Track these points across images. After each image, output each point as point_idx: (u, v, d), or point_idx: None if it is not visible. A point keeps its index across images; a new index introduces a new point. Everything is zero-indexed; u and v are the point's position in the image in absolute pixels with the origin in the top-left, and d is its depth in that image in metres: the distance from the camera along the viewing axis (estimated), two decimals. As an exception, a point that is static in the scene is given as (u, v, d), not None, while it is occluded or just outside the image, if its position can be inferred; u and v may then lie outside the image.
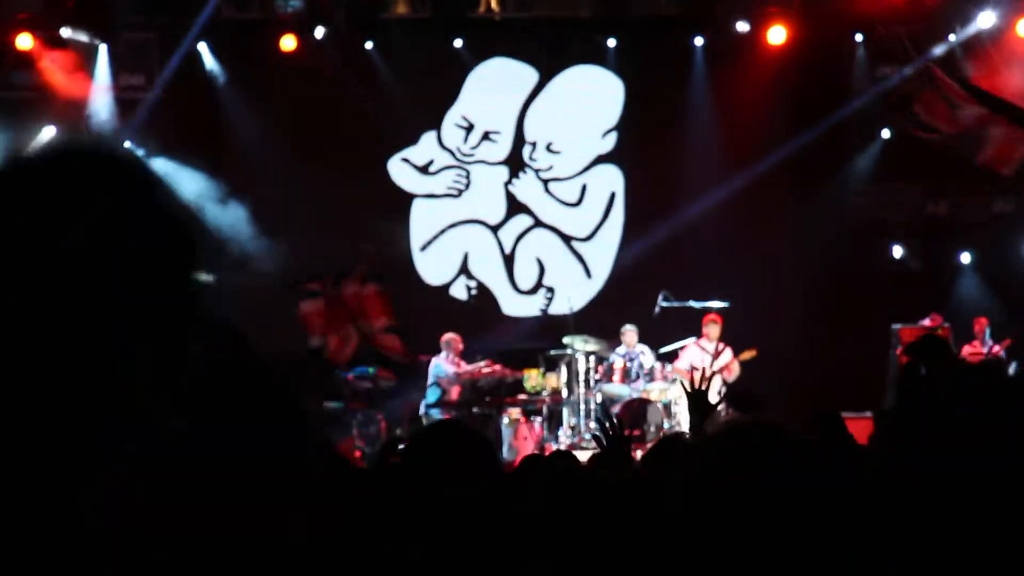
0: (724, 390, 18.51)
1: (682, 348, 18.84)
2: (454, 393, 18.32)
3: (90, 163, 1.68)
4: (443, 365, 18.39)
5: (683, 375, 18.45)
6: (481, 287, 21.46)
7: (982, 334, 18.70)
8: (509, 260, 21.48)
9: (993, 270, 20.21)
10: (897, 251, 20.78)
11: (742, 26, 20.33)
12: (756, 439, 2.90)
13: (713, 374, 18.18)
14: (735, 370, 18.44)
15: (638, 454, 16.50)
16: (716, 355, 18.54)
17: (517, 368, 18.73)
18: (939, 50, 19.74)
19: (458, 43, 21.13)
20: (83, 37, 19.84)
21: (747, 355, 18.40)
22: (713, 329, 18.63)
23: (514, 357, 19.12)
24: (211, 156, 20.31)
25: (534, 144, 21.50)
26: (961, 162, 19.66)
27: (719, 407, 17.86)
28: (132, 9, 20.16)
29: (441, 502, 4.02)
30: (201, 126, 20.43)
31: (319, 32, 20.34)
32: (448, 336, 18.80)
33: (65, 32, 19.50)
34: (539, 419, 18.39)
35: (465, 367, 18.51)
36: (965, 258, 20.78)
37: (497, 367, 18.58)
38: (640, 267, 20.88)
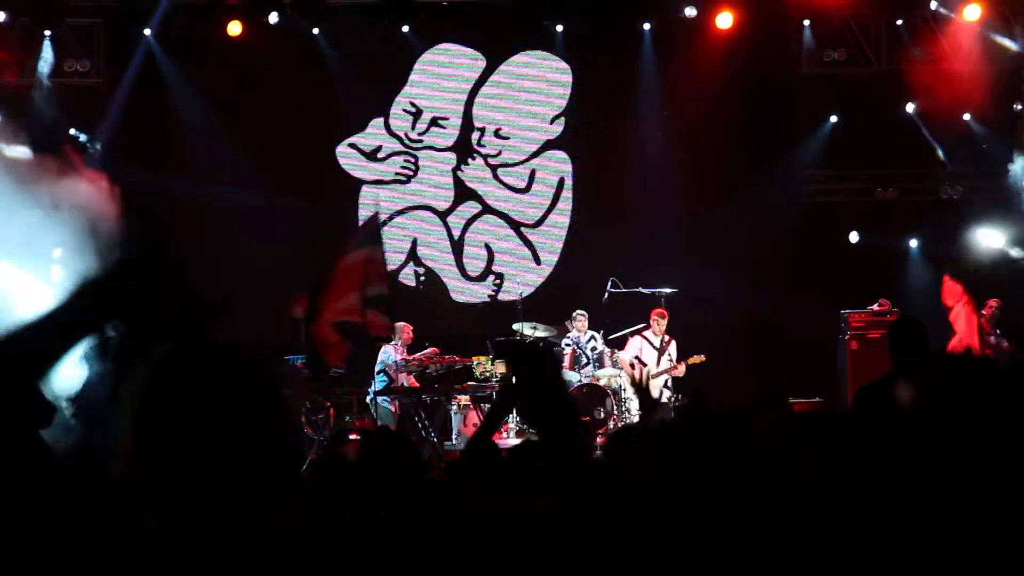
0: (671, 383, 18.55)
1: (628, 338, 18.82)
2: (401, 381, 18.25)
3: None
4: (391, 353, 18.31)
5: (625, 367, 18.48)
6: (430, 273, 21.41)
7: (991, 317, 18.21)
8: (458, 246, 21.43)
9: (940, 255, 20.26)
10: (850, 237, 20.78)
11: (690, 11, 20.30)
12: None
13: (659, 373, 18.24)
14: (681, 369, 18.42)
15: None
16: (662, 349, 18.53)
17: (466, 355, 18.68)
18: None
19: (405, 28, 21.04)
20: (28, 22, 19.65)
21: (695, 360, 18.37)
22: (660, 323, 18.59)
23: (463, 343, 19.07)
24: (157, 141, 20.21)
25: (482, 130, 21.45)
26: (908, 148, 19.79)
27: (666, 399, 17.98)
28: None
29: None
30: (147, 111, 20.24)
31: (270, 17, 20.20)
32: (399, 325, 18.74)
33: (4, 16, 19.27)
34: (488, 406, 18.33)
35: (411, 355, 18.48)
36: (913, 243, 20.83)
37: (445, 356, 18.53)
38: (589, 253, 20.86)
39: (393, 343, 18.43)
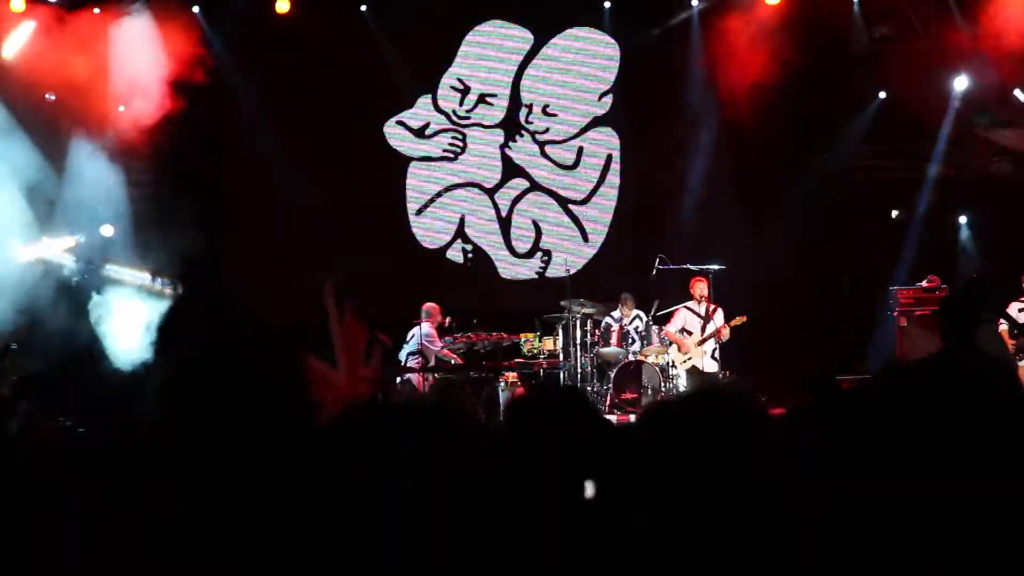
0: (719, 353, 18.52)
1: (674, 312, 18.76)
2: (433, 357, 18.24)
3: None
4: (426, 333, 18.33)
5: (673, 338, 18.44)
6: (477, 250, 21.42)
7: None
8: (505, 223, 21.43)
9: (991, 232, 20.12)
10: (895, 213, 20.64)
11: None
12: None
13: (707, 338, 18.19)
14: (726, 334, 18.36)
15: (632, 417, 16.61)
16: (708, 316, 18.46)
17: (513, 331, 18.70)
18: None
19: (453, 5, 21.04)
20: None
21: (737, 321, 18.30)
22: (700, 288, 18.52)
23: (511, 320, 19.09)
24: (206, 120, 20.27)
25: (530, 107, 21.43)
26: (959, 124, 19.62)
27: (714, 369, 17.95)
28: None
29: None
30: (195, 89, 20.25)
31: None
32: (428, 305, 18.70)
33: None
34: (535, 383, 18.35)
35: (442, 345, 18.38)
36: (963, 219, 20.68)
37: (493, 333, 18.56)
38: (637, 229, 20.83)
39: (425, 324, 18.43)
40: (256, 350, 2.85)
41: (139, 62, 19.32)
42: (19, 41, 19.38)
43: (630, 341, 18.77)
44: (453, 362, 18.40)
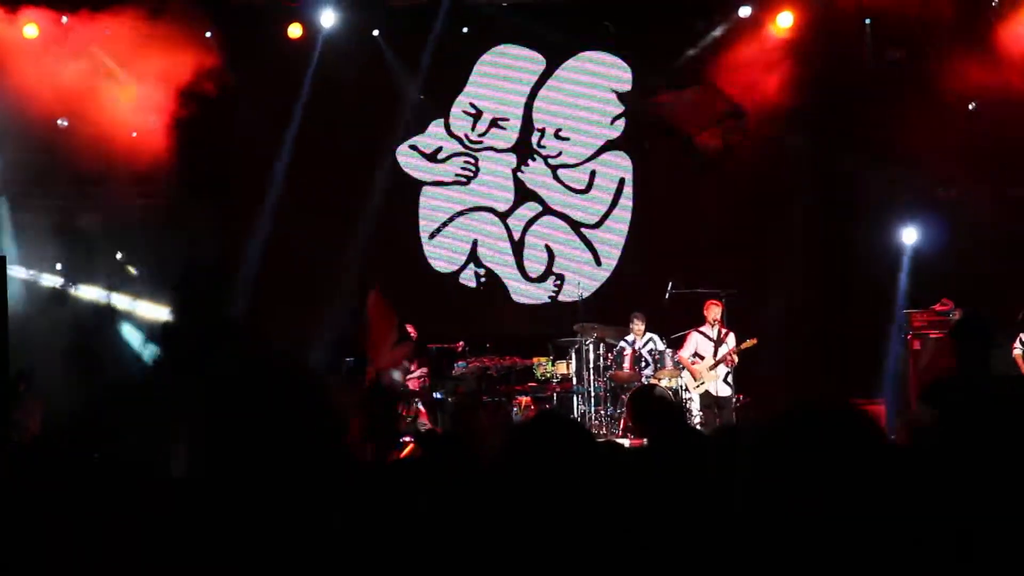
0: (732, 377, 18.46)
1: (685, 336, 18.72)
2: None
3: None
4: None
5: (685, 363, 18.40)
6: (490, 274, 21.42)
7: None
8: (518, 247, 21.44)
9: (1004, 255, 20.04)
10: (908, 235, 20.57)
11: (750, 11, 20.21)
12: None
13: (718, 362, 18.13)
14: (735, 359, 18.29)
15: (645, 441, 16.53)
16: (720, 340, 18.40)
17: (526, 356, 18.68)
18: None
19: (465, 30, 21.07)
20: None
21: (747, 344, 18.22)
22: (714, 312, 18.45)
23: (523, 345, 19.08)
24: (218, 143, 20.30)
25: (542, 131, 21.45)
26: (971, 146, 19.58)
27: (728, 394, 17.89)
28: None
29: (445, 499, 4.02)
30: (207, 113, 20.28)
31: (327, 20, 20.29)
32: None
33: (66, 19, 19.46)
34: (549, 407, 18.33)
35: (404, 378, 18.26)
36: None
37: (506, 357, 18.58)
38: (650, 254, 20.81)
39: None
40: (276, 375, 2.86)
41: (150, 79, 19.38)
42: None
43: (643, 365, 18.75)
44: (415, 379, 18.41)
